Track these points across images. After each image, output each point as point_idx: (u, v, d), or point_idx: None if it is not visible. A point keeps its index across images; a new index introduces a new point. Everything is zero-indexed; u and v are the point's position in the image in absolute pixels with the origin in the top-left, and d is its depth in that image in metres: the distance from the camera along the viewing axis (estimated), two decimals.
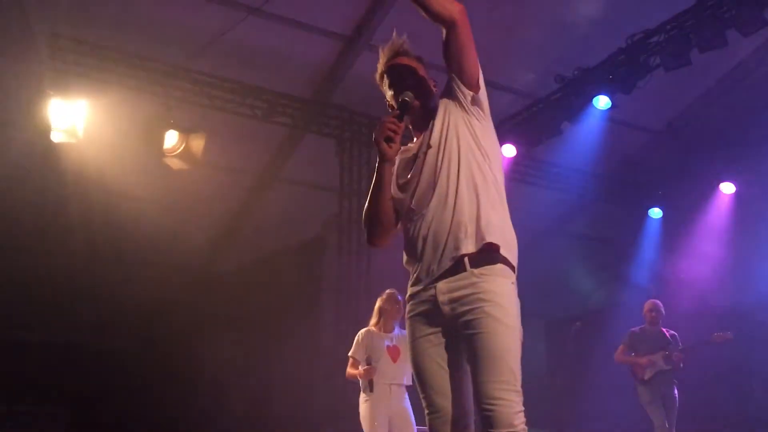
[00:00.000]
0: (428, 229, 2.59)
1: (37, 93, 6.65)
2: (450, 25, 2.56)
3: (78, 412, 9.03)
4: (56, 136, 6.72)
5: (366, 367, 5.64)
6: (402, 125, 2.65)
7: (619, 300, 9.38)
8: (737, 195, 9.31)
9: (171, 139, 7.12)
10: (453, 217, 2.55)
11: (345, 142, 8.50)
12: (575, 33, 7.68)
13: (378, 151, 2.68)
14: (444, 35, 2.60)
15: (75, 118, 6.72)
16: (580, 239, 10.79)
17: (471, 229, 2.52)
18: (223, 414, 8.83)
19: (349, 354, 5.88)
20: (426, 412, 2.65)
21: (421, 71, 2.80)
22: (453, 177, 2.58)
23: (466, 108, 2.65)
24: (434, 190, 2.60)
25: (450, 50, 2.61)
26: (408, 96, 2.68)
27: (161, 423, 8.89)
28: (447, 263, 2.52)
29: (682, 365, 7.23)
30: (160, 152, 7.09)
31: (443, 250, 2.54)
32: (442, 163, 2.61)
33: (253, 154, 8.73)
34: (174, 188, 7.81)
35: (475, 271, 2.48)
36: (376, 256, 8.34)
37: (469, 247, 2.51)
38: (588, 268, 10.49)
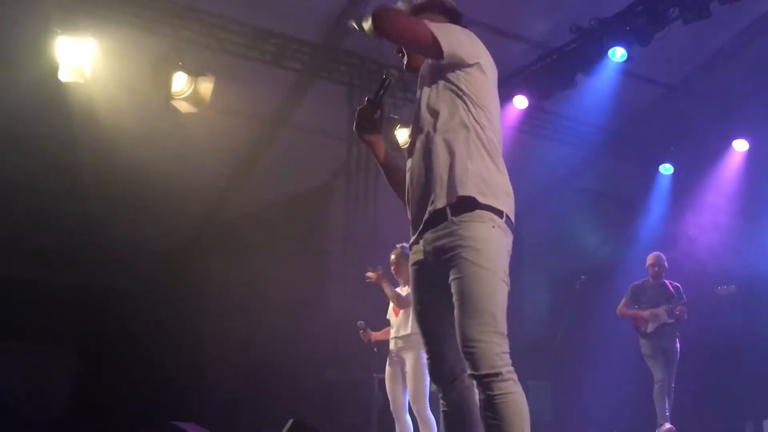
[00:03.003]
0: (412, 182, 2.67)
1: (44, 31, 6.56)
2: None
3: (86, 351, 9.17)
4: (64, 75, 6.65)
5: (360, 332, 6.04)
6: (380, 106, 2.78)
7: (626, 256, 9.35)
8: (750, 152, 9.20)
9: (179, 81, 7.04)
10: (429, 170, 2.58)
11: (355, 89, 8.40)
12: None
13: None
14: None
15: (82, 57, 6.64)
16: (590, 194, 10.73)
17: (445, 182, 2.54)
18: (229, 357, 8.94)
19: None
20: (426, 357, 2.73)
21: None
22: (431, 129, 2.61)
23: (444, 65, 2.63)
24: (417, 143, 2.67)
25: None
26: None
27: (168, 364, 9.02)
28: (426, 216, 2.58)
29: (686, 317, 7.25)
30: (168, 94, 7.02)
31: (424, 204, 2.59)
32: (423, 116, 2.66)
33: (262, 99, 8.64)
34: (182, 131, 7.75)
35: (455, 219, 2.51)
36: (383, 203, 8.33)
37: (443, 200, 2.53)
38: (596, 222, 10.45)
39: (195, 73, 7.09)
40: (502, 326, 2.44)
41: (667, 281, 7.45)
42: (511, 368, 2.41)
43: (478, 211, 2.50)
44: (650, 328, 7.32)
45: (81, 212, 8.70)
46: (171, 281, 9.68)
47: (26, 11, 6.56)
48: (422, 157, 2.61)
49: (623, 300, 7.55)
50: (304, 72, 8.33)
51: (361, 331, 6.06)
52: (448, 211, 2.52)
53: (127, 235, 8.96)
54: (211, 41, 7.53)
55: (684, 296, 7.34)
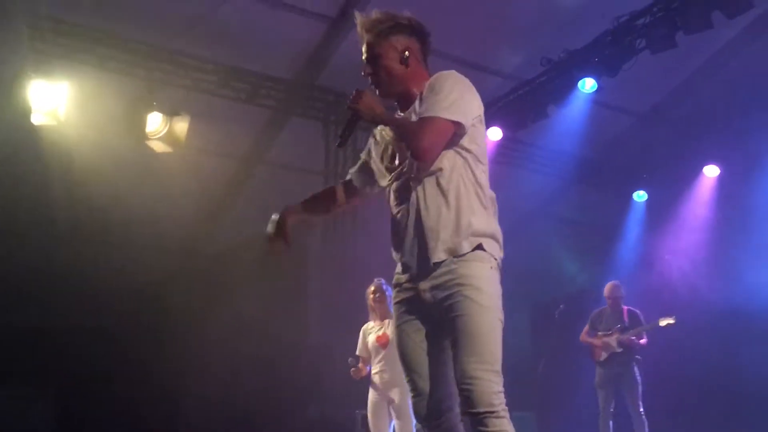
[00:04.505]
0: (407, 229, 2.62)
1: (17, 75, 6.55)
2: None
3: (64, 393, 8.98)
4: (37, 119, 6.63)
5: (352, 370, 5.89)
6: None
7: (603, 283, 9.36)
8: (721, 177, 9.36)
9: (154, 121, 7.05)
10: (431, 223, 2.55)
11: (331, 125, 8.45)
12: (562, 15, 7.66)
13: None
14: None
15: (56, 100, 6.64)
16: (565, 222, 10.81)
17: (449, 238, 2.53)
18: (210, 393, 8.83)
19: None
20: (411, 395, 2.69)
21: (386, 55, 2.67)
22: (431, 182, 2.57)
23: None
24: (412, 189, 2.61)
25: None
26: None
27: (149, 402, 8.87)
28: (425, 266, 2.56)
29: (642, 343, 7.36)
30: (143, 135, 7.02)
31: (423, 253, 2.56)
32: (421, 167, 2.59)
33: (238, 137, 8.65)
34: (157, 171, 7.73)
35: (454, 258, 2.52)
36: (362, 238, 8.34)
37: (448, 254, 2.53)
38: (573, 251, 10.53)
39: (170, 113, 7.11)
40: (499, 365, 2.45)
41: (625, 308, 7.59)
42: (506, 407, 2.43)
43: (477, 252, 2.52)
44: (603, 356, 7.50)
45: (56, 253, 8.60)
46: (150, 319, 9.56)
47: (0, 56, 6.54)
48: (422, 210, 2.57)
49: (585, 327, 7.72)
50: (279, 109, 8.37)
51: (353, 369, 5.93)
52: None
53: (104, 274, 8.85)
54: (185, 81, 7.56)
55: (643, 322, 7.46)
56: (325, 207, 3.06)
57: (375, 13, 2.71)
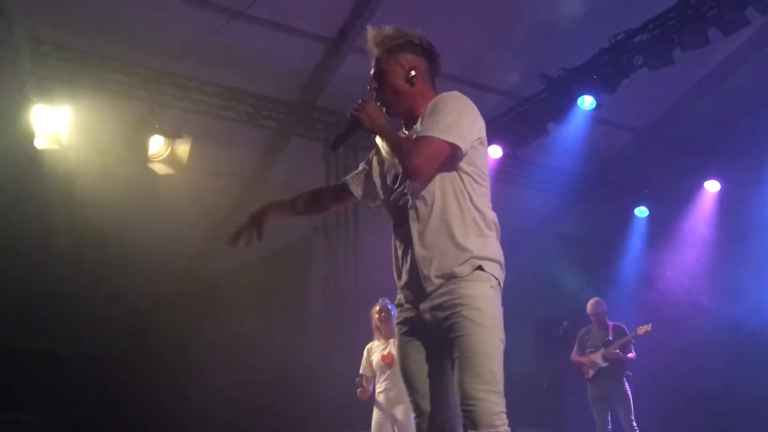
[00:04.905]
0: (406, 252, 2.62)
1: (19, 99, 6.59)
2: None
3: (68, 419, 8.95)
4: (40, 143, 6.67)
5: (359, 390, 5.85)
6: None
7: (605, 299, 9.42)
8: (722, 192, 9.37)
9: (156, 144, 7.08)
10: (426, 248, 2.55)
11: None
12: (559, 33, 7.70)
13: None
14: None
15: (58, 125, 6.67)
16: (567, 239, 10.82)
17: (444, 264, 2.51)
18: (212, 412, 8.80)
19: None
20: (413, 415, 2.67)
21: (392, 72, 2.68)
22: (425, 206, 2.56)
23: None
24: (410, 214, 2.60)
25: None
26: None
27: (154, 424, 8.85)
28: (425, 289, 2.55)
29: (629, 357, 7.40)
30: (145, 157, 7.04)
31: (421, 278, 2.56)
32: (418, 190, 2.58)
33: (240, 158, 8.69)
34: (160, 194, 7.76)
35: (453, 279, 2.51)
36: (364, 258, 8.34)
37: (443, 279, 2.52)
38: (575, 267, 10.52)
39: (171, 135, 7.14)
40: (501, 385, 2.44)
41: (611, 323, 7.63)
42: (509, 428, 2.42)
43: (477, 272, 2.50)
44: (591, 373, 7.56)
45: (57, 275, 8.60)
46: (151, 340, 9.56)
47: (2, 81, 6.59)
48: (416, 234, 2.56)
49: (575, 347, 7.71)
50: (280, 130, 8.41)
51: (360, 389, 5.88)
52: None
53: (105, 296, 8.86)
54: (186, 104, 7.60)
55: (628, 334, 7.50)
56: (308, 208, 3.07)
57: (387, 29, 2.71)
